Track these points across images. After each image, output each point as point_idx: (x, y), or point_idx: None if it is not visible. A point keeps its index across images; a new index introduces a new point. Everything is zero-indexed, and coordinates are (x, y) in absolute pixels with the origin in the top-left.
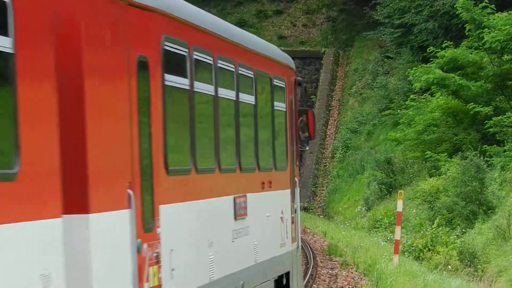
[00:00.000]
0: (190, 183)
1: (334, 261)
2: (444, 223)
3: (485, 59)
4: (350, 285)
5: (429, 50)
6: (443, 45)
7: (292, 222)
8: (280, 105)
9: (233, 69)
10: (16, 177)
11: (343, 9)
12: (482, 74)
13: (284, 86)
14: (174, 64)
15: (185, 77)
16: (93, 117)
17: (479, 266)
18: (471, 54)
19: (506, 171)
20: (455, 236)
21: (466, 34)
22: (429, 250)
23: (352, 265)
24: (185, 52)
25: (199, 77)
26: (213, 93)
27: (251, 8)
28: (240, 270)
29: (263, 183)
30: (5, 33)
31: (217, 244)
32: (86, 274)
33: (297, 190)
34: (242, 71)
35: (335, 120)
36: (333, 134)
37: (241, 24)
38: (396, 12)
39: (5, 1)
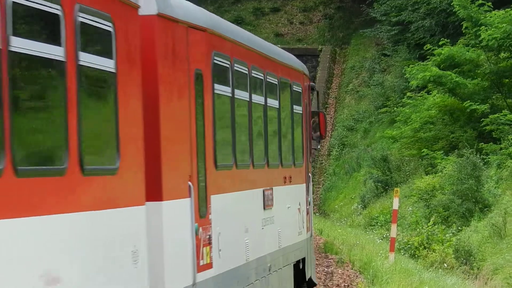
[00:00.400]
0: (232, 177)
1: (330, 258)
2: (440, 221)
3: (481, 57)
4: (345, 282)
5: (426, 47)
6: (440, 43)
7: (307, 213)
8: (297, 108)
9: (262, 78)
10: (117, 171)
11: (340, 7)
12: (478, 72)
13: (300, 91)
14: (220, 75)
15: (228, 85)
16: (165, 123)
17: (474, 264)
18: (468, 51)
19: (502, 169)
20: (451, 234)
21: (463, 31)
22: (425, 248)
23: (348, 262)
24: (228, 64)
25: (237, 85)
26: (247, 99)
27: (248, 6)
28: (268, 254)
29: (285, 177)
30: (109, 56)
31: (251, 230)
32: (160, 251)
33: (311, 184)
34: (269, 79)
35: (331, 117)
36: (330, 131)
37: (238, 21)
38: (393, 9)
39: (109, 31)
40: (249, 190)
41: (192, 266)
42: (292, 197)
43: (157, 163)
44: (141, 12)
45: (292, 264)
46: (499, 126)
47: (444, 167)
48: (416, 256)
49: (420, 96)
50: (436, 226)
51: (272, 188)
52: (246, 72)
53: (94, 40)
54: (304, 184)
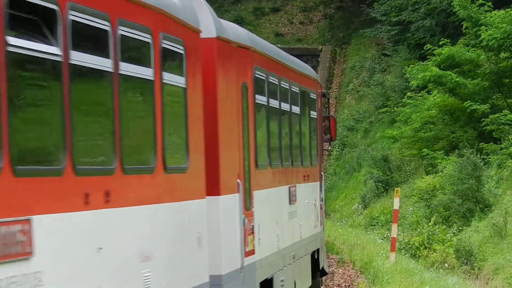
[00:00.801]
0: (267, 175)
1: (331, 258)
2: (441, 221)
3: (482, 57)
4: (346, 282)
5: (426, 47)
6: (440, 43)
7: (320, 208)
8: (313, 113)
9: (288, 87)
10: (186, 170)
11: (340, 7)
12: (479, 72)
13: (315, 97)
14: (259, 86)
15: (264, 95)
16: (222, 129)
17: (475, 264)
18: (468, 52)
19: (502, 169)
20: (452, 234)
21: (463, 31)
22: (425, 248)
23: (349, 262)
24: (264, 77)
25: (271, 95)
26: (278, 107)
27: (248, 6)
28: (292, 244)
29: (304, 176)
30: (181, 74)
31: (280, 222)
32: (217, 236)
33: (323, 182)
34: (293, 88)
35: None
36: None
37: (238, 21)
38: (393, 9)
39: (181, 53)
40: (279, 187)
41: (240, 251)
42: (309, 193)
43: (216, 163)
44: (202, 35)
45: (310, 254)
46: (499, 126)
47: (445, 167)
48: (417, 256)
49: (420, 96)
50: (436, 226)
51: (295, 186)
52: (277, 83)
53: (172, 62)
54: (318, 182)
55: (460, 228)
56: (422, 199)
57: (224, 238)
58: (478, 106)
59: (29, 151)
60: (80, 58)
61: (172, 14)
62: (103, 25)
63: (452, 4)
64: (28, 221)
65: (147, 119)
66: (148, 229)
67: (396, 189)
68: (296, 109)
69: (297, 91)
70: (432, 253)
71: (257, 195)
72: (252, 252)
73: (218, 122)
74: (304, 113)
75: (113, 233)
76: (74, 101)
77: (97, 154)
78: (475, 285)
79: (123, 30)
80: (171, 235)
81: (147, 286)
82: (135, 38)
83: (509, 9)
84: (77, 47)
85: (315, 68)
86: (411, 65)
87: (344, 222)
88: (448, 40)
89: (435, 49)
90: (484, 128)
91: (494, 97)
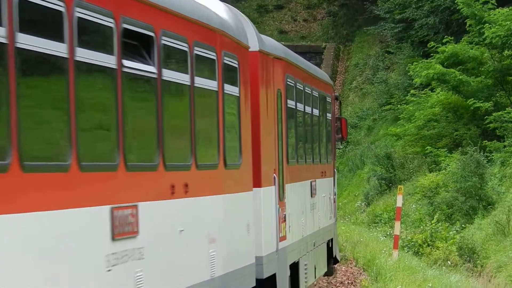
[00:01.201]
0: (295, 171)
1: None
2: (444, 218)
3: (485, 54)
4: (349, 280)
5: (430, 45)
6: (444, 40)
7: (334, 201)
8: (328, 115)
9: (310, 92)
10: (240, 166)
11: (344, 4)
12: (482, 69)
13: (330, 101)
14: (289, 92)
15: (293, 100)
16: (263, 131)
17: (478, 261)
18: (472, 49)
19: (506, 166)
20: (455, 232)
21: (467, 29)
22: (428, 245)
23: (352, 260)
24: (293, 84)
25: (298, 100)
26: (303, 110)
27: (252, 3)
28: (313, 232)
29: (322, 172)
30: (236, 84)
31: (305, 212)
32: (259, 223)
33: (336, 178)
34: (314, 93)
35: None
36: None
37: None
38: (397, 7)
39: (236, 67)
40: (304, 181)
41: (276, 236)
42: (326, 188)
43: (258, 160)
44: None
45: (325, 243)
46: (502, 124)
47: (448, 165)
48: (419, 253)
49: (423, 94)
50: (439, 224)
51: (316, 180)
52: (302, 89)
53: (230, 75)
54: (332, 178)
55: (463, 225)
56: (425, 197)
57: (264, 224)
58: (481, 104)
59: (138, 153)
60: (169, 75)
61: (230, 34)
62: (184, 46)
63: (455, 1)
64: (135, 206)
65: (214, 125)
66: (213, 216)
67: (399, 186)
68: (316, 112)
69: (317, 96)
70: (435, 251)
71: (288, 187)
72: (284, 238)
73: (260, 125)
74: (322, 115)
75: (190, 218)
76: (169, 113)
77: (179, 153)
78: (478, 283)
79: (197, 50)
80: (229, 222)
81: (212, 264)
82: (205, 56)
83: None
84: (167, 66)
85: (318, 65)
86: (415, 63)
87: (347, 219)
88: (452, 38)
89: (439, 47)
90: (488, 125)
91: (497, 94)
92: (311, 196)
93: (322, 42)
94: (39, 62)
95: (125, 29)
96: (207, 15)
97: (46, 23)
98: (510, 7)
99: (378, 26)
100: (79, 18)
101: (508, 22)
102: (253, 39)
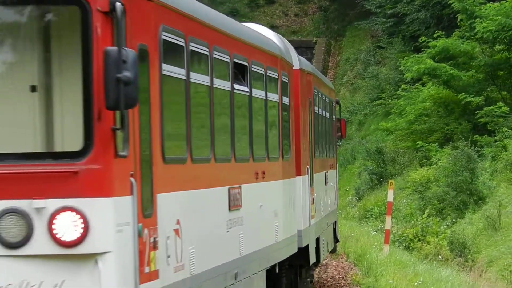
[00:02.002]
0: (318, 163)
1: None
2: (435, 213)
3: (476, 49)
4: (340, 274)
5: (421, 40)
6: (435, 35)
7: (336, 190)
8: (332, 117)
9: (324, 99)
10: (289, 159)
11: None
12: (473, 64)
13: (334, 104)
14: (316, 100)
15: (317, 106)
16: (302, 132)
17: (469, 256)
18: (463, 44)
19: (496, 161)
20: (446, 226)
21: (458, 24)
22: (419, 240)
23: (343, 254)
24: (317, 93)
25: (319, 106)
26: (321, 114)
27: None
28: (326, 215)
29: (331, 165)
30: (287, 96)
31: (322, 197)
32: (298, 203)
33: (337, 170)
34: (327, 99)
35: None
36: None
37: (233, 13)
38: (388, 1)
39: (287, 82)
40: (321, 172)
41: (308, 215)
42: (333, 178)
43: (298, 154)
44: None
45: (332, 224)
46: (493, 118)
47: (439, 159)
48: (410, 248)
49: (415, 89)
50: (430, 218)
51: (328, 172)
52: (321, 97)
53: (284, 89)
54: (335, 170)
55: (454, 220)
56: (416, 191)
57: (302, 205)
58: (472, 99)
59: (240, 150)
60: (255, 93)
61: (284, 58)
62: (261, 71)
63: None
64: (239, 187)
65: (277, 127)
66: (276, 195)
67: (390, 181)
68: (327, 115)
69: (327, 101)
70: (426, 245)
71: (316, 176)
72: (313, 217)
73: (300, 127)
74: (330, 117)
75: (265, 197)
76: (255, 121)
77: (260, 149)
78: (469, 277)
79: (269, 73)
80: (284, 201)
81: (276, 232)
82: (272, 76)
83: (504, 1)
84: (254, 86)
85: (309, 60)
86: (406, 58)
87: (338, 214)
88: (443, 33)
89: (430, 41)
90: (479, 120)
91: (488, 89)
92: (325, 184)
93: (313, 37)
94: (201, 92)
95: (234, 62)
96: (273, 46)
97: (203, 66)
98: (501, 2)
99: (369, 21)
100: (216, 58)
101: (499, 17)
102: (295, 60)
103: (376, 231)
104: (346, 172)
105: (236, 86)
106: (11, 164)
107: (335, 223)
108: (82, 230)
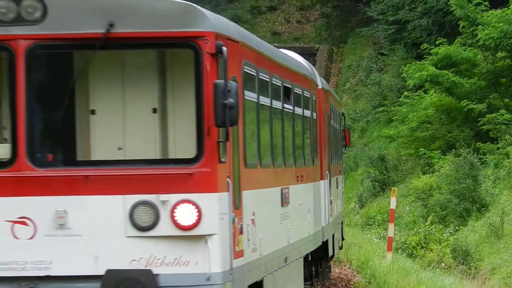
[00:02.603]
0: (333, 168)
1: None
2: (437, 220)
3: (478, 56)
4: (343, 282)
5: (423, 47)
6: (437, 42)
7: (342, 193)
8: (340, 127)
9: (337, 114)
10: (317, 165)
11: (337, 6)
12: (475, 71)
13: (342, 118)
14: (332, 115)
15: (332, 120)
16: (323, 141)
17: (472, 264)
18: (465, 51)
19: (499, 168)
20: (448, 234)
21: (460, 31)
22: (422, 247)
23: (345, 262)
24: (332, 109)
25: (334, 119)
26: (334, 126)
27: (245, 4)
28: (337, 215)
29: (339, 171)
30: (315, 112)
31: (336, 199)
32: (322, 203)
33: (342, 175)
34: (337, 113)
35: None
36: None
37: (235, 20)
38: (390, 8)
39: (315, 100)
40: (335, 177)
41: (328, 214)
42: (340, 182)
43: (321, 161)
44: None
45: (340, 223)
46: (496, 126)
47: (441, 167)
48: (413, 255)
49: (417, 96)
50: (433, 226)
51: (338, 177)
52: (334, 111)
53: (314, 106)
54: (342, 175)
55: (456, 227)
56: (418, 199)
57: (324, 205)
58: (475, 106)
59: (288, 158)
60: (297, 111)
61: (313, 80)
62: (299, 91)
63: (449, 3)
64: (288, 188)
65: (309, 138)
66: (309, 195)
67: (393, 188)
68: (337, 126)
69: (337, 114)
70: (429, 253)
71: (333, 180)
72: (331, 215)
73: (322, 138)
74: (339, 128)
75: (303, 196)
76: (297, 134)
77: (299, 157)
78: (472, 285)
79: (305, 93)
80: (314, 200)
81: (309, 226)
82: (307, 96)
83: (506, 8)
84: (296, 104)
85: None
86: (408, 65)
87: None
88: (445, 40)
89: (432, 48)
90: (481, 127)
91: (491, 96)
92: (336, 188)
93: (315, 43)
94: (265, 111)
95: (284, 85)
96: (306, 70)
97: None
98: (503, 9)
99: (371, 28)
100: (273, 83)
101: (501, 24)
102: (319, 80)
103: (379, 239)
104: (349, 179)
105: (285, 105)
106: (142, 168)
107: (342, 223)
108: (196, 217)
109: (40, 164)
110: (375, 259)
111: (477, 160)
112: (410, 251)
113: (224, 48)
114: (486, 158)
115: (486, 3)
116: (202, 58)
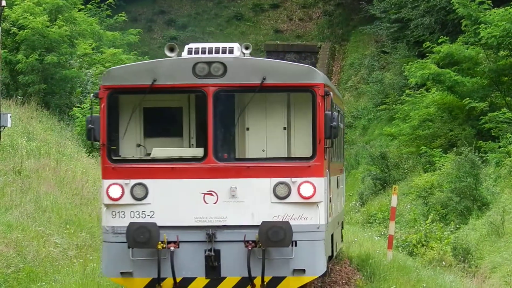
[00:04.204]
0: (335, 167)
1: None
2: (438, 218)
3: (481, 54)
4: (343, 279)
5: (425, 45)
6: (439, 41)
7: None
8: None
9: (342, 113)
10: (343, 162)
11: (340, 3)
12: (478, 69)
13: (343, 115)
14: (340, 118)
15: (343, 123)
16: (342, 143)
17: (472, 262)
18: (467, 49)
19: (500, 167)
20: (449, 232)
21: (463, 29)
22: (423, 245)
23: (346, 259)
24: (340, 110)
25: (340, 121)
26: (342, 127)
27: (247, 2)
28: (341, 212)
29: (340, 169)
30: (343, 122)
31: (340, 197)
32: (340, 193)
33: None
34: (341, 112)
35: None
36: None
37: (238, 17)
38: (392, 6)
39: (342, 114)
40: (336, 176)
41: (343, 203)
42: (341, 181)
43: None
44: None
45: (341, 224)
46: (498, 124)
47: (443, 165)
48: (414, 253)
49: (419, 94)
50: (434, 224)
51: (339, 176)
52: (340, 111)
53: (341, 119)
54: (343, 174)
55: (457, 226)
56: (419, 197)
57: (341, 194)
58: (476, 104)
59: (335, 156)
60: (341, 125)
61: (341, 98)
62: (340, 110)
63: (451, 2)
64: (337, 176)
65: (341, 142)
66: (341, 183)
67: (394, 186)
68: (341, 125)
69: (342, 114)
70: (429, 251)
71: (332, 179)
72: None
73: (342, 141)
74: (342, 127)
75: (340, 183)
76: (337, 142)
77: (337, 156)
78: (472, 283)
79: (341, 110)
80: (342, 187)
81: (341, 205)
82: (339, 111)
83: (509, 7)
84: (339, 121)
85: (313, 65)
86: (410, 63)
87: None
88: (447, 38)
89: (434, 47)
90: (483, 126)
91: (492, 95)
92: (337, 187)
93: (318, 41)
94: (339, 131)
95: (338, 110)
96: (340, 94)
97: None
98: (506, 8)
99: (373, 26)
100: (338, 111)
101: (504, 23)
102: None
103: (380, 236)
104: (350, 177)
105: (340, 124)
106: (280, 163)
107: (342, 223)
108: (312, 191)
109: (220, 159)
110: (376, 257)
111: (478, 158)
112: (410, 249)
113: (330, 92)
114: (487, 156)
115: (489, 1)
116: (317, 98)
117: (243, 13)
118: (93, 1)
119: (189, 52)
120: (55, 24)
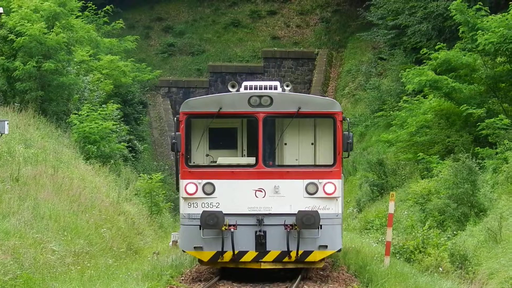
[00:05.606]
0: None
1: (325, 262)
2: (436, 225)
3: (478, 61)
4: (341, 286)
5: (423, 51)
6: (437, 47)
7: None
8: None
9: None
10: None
11: (337, 10)
12: (475, 76)
13: (343, 121)
14: (345, 125)
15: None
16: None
17: (470, 268)
18: (465, 56)
19: (498, 173)
20: (446, 238)
21: (460, 36)
22: (420, 252)
23: (343, 266)
24: (346, 119)
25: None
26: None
27: (245, 9)
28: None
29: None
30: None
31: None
32: (342, 193)
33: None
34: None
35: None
36: None
37: (235, 24)
38: (390, 13)
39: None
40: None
41: (341, 203)
42: (342, 181)
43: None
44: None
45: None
46: (495, 131)
47: (440, 171)
48: (411, 260)
49: (416, 100)
50: (431, 230)
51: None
52: (346, 119)
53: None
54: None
55: (454, 232)
56: (417, 203)
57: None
58: (474, 111)
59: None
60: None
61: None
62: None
63: (448, 8)
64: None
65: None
66: (342, 185)
67: (391, 193)
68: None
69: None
70: (427, 257)
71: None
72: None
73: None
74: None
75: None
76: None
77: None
78: None
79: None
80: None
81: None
82: (351, 123)
83: (506, 13)
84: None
85: (311, 71)
86: (407, 69)
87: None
88: (445, 44)
89: (432, 53)
90: (480, 132)
91: (490, 101)
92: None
93: (315, 48)
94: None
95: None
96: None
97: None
98: (503, 14)
99: (371, 33)
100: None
101: (501, 29)
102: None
103: (377, 243)
104: (347, 183)
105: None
106: (310, 169)
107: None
108: (333, 189)
109: (267, 166)
110: (373, 264)
111: (475, 165)
112: (408, 255)
113: (347, 118)
114: (484, 163)
115: (486, 8)
116: (336, 122)
117: (240, 19)
118: (90, 8)
119: (245, 88)
120: (52, 31)
